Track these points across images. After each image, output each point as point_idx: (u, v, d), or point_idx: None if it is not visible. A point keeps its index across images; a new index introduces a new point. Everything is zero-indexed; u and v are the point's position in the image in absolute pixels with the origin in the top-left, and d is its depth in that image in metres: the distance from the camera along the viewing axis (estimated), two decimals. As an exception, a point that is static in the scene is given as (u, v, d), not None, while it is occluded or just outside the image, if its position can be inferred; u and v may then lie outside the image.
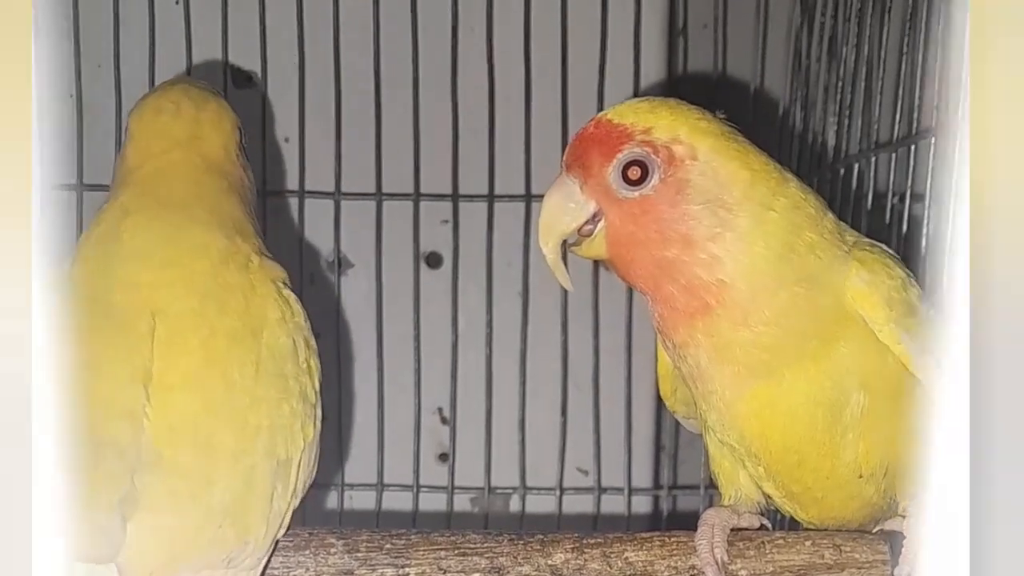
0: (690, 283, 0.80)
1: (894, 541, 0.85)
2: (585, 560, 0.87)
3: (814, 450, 0.83)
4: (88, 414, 0.74)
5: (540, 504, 1.38)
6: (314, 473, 0.86)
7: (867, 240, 0.86)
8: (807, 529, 0.92)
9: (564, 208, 0.81)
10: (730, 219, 0.78)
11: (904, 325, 0.78)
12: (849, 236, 0.85)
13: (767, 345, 0.80)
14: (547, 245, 0.82)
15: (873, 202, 1.12)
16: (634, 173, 0.79)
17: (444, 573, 0.87)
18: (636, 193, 0.79)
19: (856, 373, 0.81)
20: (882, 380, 0.81)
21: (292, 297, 0.86)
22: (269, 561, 0.83)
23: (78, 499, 0.71)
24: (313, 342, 0.86)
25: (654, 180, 0.79)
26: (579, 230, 0.82)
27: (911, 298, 0.80)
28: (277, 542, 0.83)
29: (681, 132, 0.79)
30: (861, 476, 0.85)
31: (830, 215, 0.84)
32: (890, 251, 0.85)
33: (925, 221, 0.97)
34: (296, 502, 0.83)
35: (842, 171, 1.18)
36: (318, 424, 0.84)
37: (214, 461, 0.75)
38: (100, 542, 0.72)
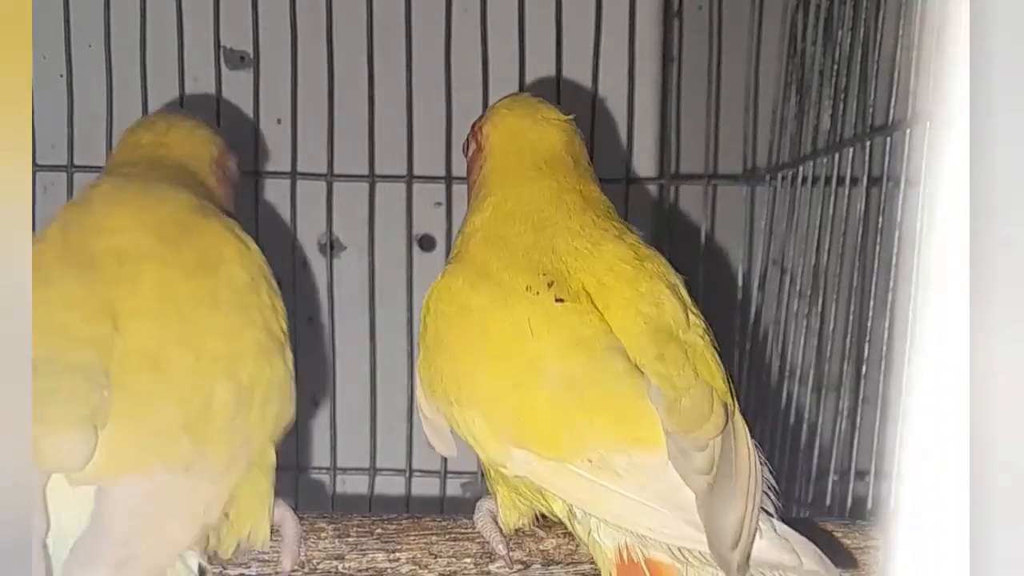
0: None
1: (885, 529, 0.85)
2: (576, 545, 0.87)
3: None
4: (58, 343, 0.77)
5: (533, 488, 1.37)
6: (292, 412, 0.86)
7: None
8: (798, 516, 0.92)
9: None
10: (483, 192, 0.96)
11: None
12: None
13: None
14: None
15: (868, 186, 1.11)
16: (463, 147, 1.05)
17: (435, 558, 0.87)
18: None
19: None
20: None
21: (250, 240, 0.90)
22: (260, 490, 0.83)
23: (48, 415, 0.74)
24: (275, 284, 0.89)
25: (471, 148, 1.03)
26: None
27: None
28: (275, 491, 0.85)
29: (486, 128, 1.00)
30: None
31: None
32: None
33: (919, 206, 0.96)
34: (270, 434, 0.84)
35: (837, 155, 1.17)
36: (289, 364, 0.86)
37: (164, 383, 0.78)
38: (70, 453, 0.74)
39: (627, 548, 0.79)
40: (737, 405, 0.83)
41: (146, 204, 0.88)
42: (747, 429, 0.81)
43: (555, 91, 1.33)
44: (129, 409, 0.76)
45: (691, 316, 0.85)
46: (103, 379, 0.77)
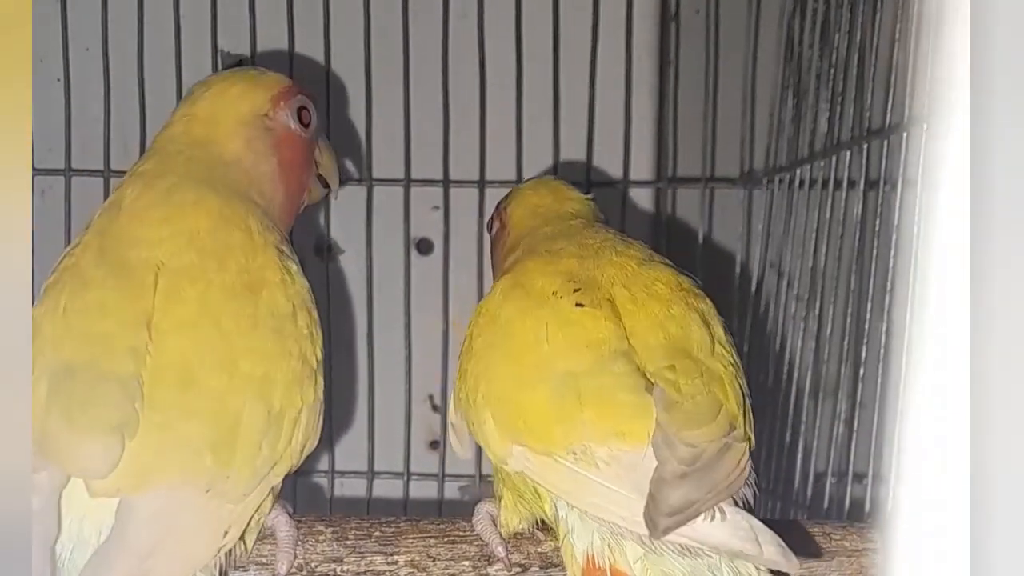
0: None
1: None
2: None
3: None
4: (97, 350, 0.78)
5: (531, 491, 1.37)
6: (317, 438, 0.87)
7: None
8: (797, 517, 0.92)
9: None
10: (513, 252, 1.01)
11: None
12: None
13: None
14: None
15: (865, 189, 1.12)
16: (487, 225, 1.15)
17: (433, 561, 0.87)
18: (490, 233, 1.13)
19: None
20: None
21: (294, 268, 0.88)
22: (265, 508, 0.83)
23: (80, 419, 0.75)
24: (315, 313, 0.89)
25: (495, 227, 1.11)
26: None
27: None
28: (276, 497, 0.85)
29: (510, 207, 1.08)
30: None
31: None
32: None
33: (917, 209, 0.96)
34: (294, 461, 0.84)
35: (834, 158, 1.17)
36: (320, 392, 0.86)
37: (194, 400, 0.78)
38: (95, 459, 0.75)
39: (595, 556, 0.80)
40: (750, 440, 0.82)
41: (175, 210, 0.85)
42: (749, 456, 0.81)
43: (553, 94, 1.33)
44: (157, 423, 0.76)
45: (718, 347, 0.86)
46: (137, 391, 0.76)
